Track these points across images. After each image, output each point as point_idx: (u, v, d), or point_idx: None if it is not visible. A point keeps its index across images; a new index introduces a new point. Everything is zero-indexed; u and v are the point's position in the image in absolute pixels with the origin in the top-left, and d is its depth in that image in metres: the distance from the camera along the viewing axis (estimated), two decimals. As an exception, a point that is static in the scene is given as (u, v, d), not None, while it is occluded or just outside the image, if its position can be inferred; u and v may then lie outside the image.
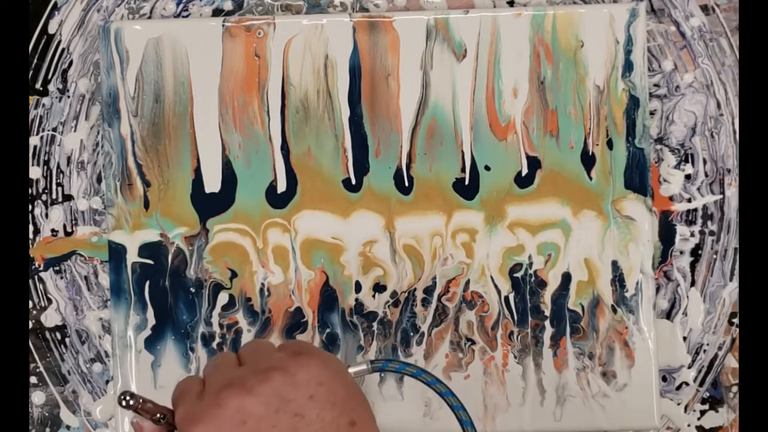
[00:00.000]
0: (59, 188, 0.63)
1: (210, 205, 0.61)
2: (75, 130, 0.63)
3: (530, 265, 0.61)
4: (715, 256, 0.62)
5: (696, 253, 0.62)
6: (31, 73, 0.63)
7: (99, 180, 0.63)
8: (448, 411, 0.61)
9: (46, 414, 0.62)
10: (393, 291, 0.61)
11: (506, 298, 0.61)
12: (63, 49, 0.63)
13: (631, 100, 0.61)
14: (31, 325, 0.62)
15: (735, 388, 0.62)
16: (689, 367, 0.62)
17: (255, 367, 0.46)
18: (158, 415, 0.47)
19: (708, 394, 0.63)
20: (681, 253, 0.62)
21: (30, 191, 0.63)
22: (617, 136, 0.61)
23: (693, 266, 0.62)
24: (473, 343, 0.61)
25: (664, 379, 0.62)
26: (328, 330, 0.61)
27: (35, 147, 0.63)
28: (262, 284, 0.61)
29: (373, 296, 0.61)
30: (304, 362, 0.46)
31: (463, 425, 0.50)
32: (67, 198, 0.63)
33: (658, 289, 0.62)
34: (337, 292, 0.61)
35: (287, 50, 0.61)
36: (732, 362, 0.63)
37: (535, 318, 0.61)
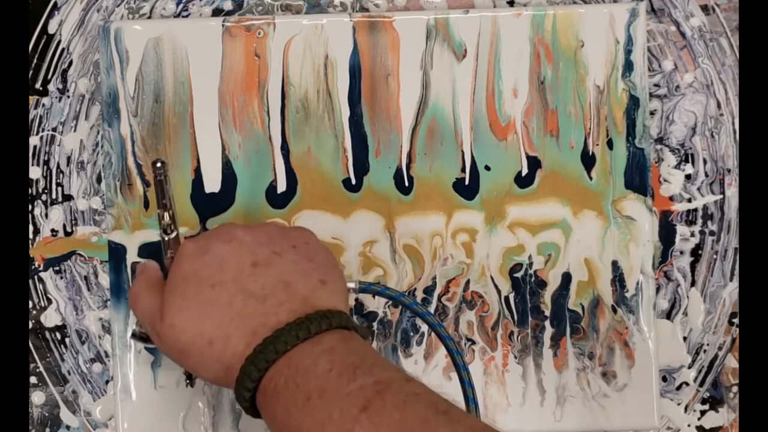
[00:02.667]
0: (59, 188, 0.63)
1: (210, 205, 0.61)
2: (75, 130, 0.63)
3: (530, 265, 0.61)
4: (715, 256, 0.62)
5: (696, 253, 0.62)
6: (31, 73, 0.63)
7: (99, 180, 0.63)
8: (448, 411, 0.61)
9: (46, 414, 0.62)
10: (393, 291, 0.61)
11: (506, 298, 0.61)
12: (63, 49, 0.63)
13: (631, 100, 0.61)
14: (31, 325, 0.62)
15: (735, 388, 0.62)
16: (689, 367, 0.62)
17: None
18: (168, 219, 0.53)
19: (708, 394, 0.63)
20: (681, 253, 0.62)
21: (30, 191, 0.63)
22: (617, 136, 0.61)
23: (693, 266, 0.62)
24: (473, 343, 0.61)
25: (664, 379, 0.62)
26: (328, 330, 0.61)
27: (35, 147, 0.63)
28: (262, 284, 0.61)
29: (373, 296, 0.61)
30: (300, 227, 0.54)
31: (452, 354, 0.53)
32: (67, 198, 0.63)
33: (658, 289, 0.62)
34: (337, 292, 0.61)
35: (287, 50, 0.61)
36: (732, 362, 0.63)
37: (535, 318, 0.61)
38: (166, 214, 0.53)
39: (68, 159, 0.63)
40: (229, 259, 0.49)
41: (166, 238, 0.53)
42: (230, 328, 0.47)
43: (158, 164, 0.51)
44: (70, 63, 0.63)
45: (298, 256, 0.50)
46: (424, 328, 0.61)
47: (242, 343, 0.47)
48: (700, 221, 0.62)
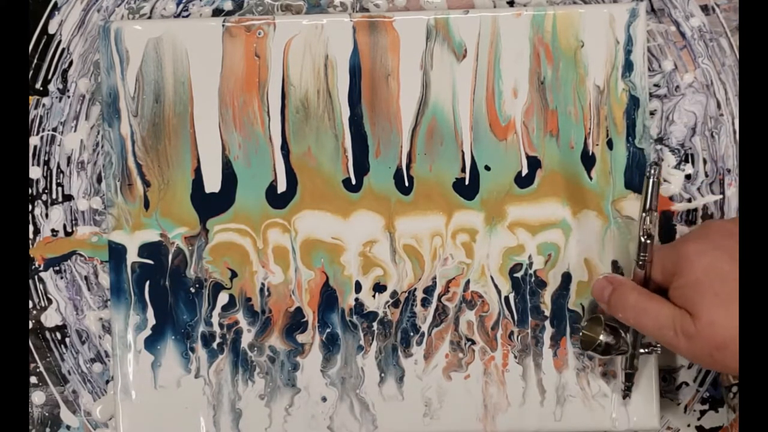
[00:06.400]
0: (59, 188, 0.63)
1: (210, 205, 0.61)
2: (75, 130, 0.63)
3: (530, 265, 0.61)
4: (715, 256, 0.62)
5: (696, 253, 0.62)
6: (31, 73, 0.63)
7: (99, 180, 0.63)
8: (448, 411, 0.61)
9: (46, 414, 0.62)
10: (393, 291, 0.61)
11: (506, 298, 0.61)
12: (63, 49, 0.63)
13: (631, 100, 0.61)
14: (31, 325, 0.62)
15: (735, 388, 0.62)
16: (689, 367, 0.62)
17: None
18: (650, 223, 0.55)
19: (708, 394, 0.63)
20: (681, 253, 0.62)
21: (30, 191, 0.63)
22: (617, 136, 0.61)
23: (693, 266, 0.62)
24: (473, 343, 0.61)
25: (664, 379, 0.62)
26: (328, 330, 0.61)
27: (35, 147, 0.63)
28: (262, 284, 0.61)
29: (373, 296, 0.61)
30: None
31: None
32: (67, 198, 0.63)
33: (658, 289, 0.62)
34: (337, 292, 0.61)
35: (287, 50, 0.61)
36: (732, 362, 0.63)
37: (535, 318, 0.61)
38: (648, 219, 0.55)
39: (68, 159, 0.63)
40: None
41: (648, 242, 0.55)
42: None
43: (654, 166, 0.54)
44: (71, 63, 0.63)
45: None
46: (425, 327, 0.61)
47: None
48: (700, 221, 0.62)
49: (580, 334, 0.59)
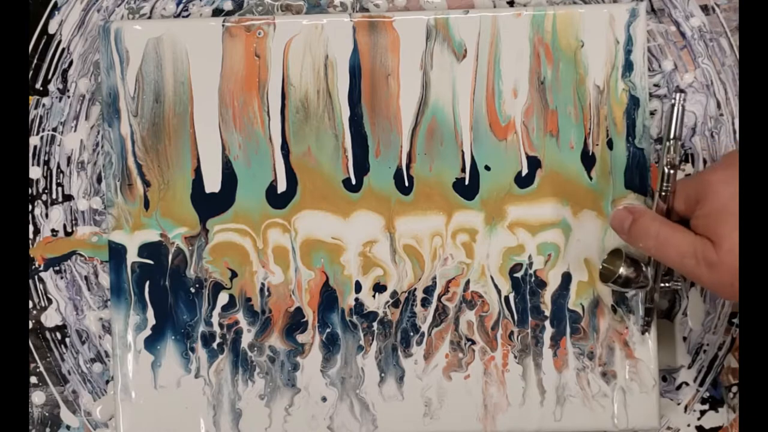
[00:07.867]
0: (59, 188, 0.63)
1: (210, 205, 0.61)
2: (75, 130, 0.63)
3: (530, 265, 0.61)
4: (715, 256, 0.62)
5: (696, 253, 0.62)
6: (31, 73, 0.63)
7: (99, 180, 0.63)
8: (448, 411, 0.61)
9: (46, 414, 0.62)
10: (393, 291, 0.61)
11: (506, 298, 0.61)
12: (63, 49, 0.63)
13: (631, 100, 0.61)
14: (31, 325, 0.62)
15: (735, 388, 0.62)
16: (689, 367, 0.62)
17: None
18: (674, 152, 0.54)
19: (708, 394, 0.63)
20: (681, 253, 0.62)
21: (30, 191, 0.63)
22: (617, 136, 0.61)
23: (693, 266, 0.62)
24: (473, 343, 0.61)
25: (664, 379, 0.62)
26: (328, 330, 0.61)
27: (35, 147, 0.63)
28: (262, 284, 0.61)
29: (373, 296, 0.61)
30: None
31: None
32: (67, 198, 0.63)
33: (658, 289, 0.62)
34: (337, 292, 0.61)
35: (287, 50, 0.61)
36: (732, 362, 0.63)
37: (535, 318, 0.61)
38: (674, 148, 0.54)
39: (68, 159, 0.63)
40: None
41: (671, 172, 0.54)
42: None
43: (679, 92, 0.53)
44: (71, 63, 0.63)
45: None
46: (425, 327, 0.61)
47: None
48: (700, 221, 0.62)
49: (600, 266, 0.59)
